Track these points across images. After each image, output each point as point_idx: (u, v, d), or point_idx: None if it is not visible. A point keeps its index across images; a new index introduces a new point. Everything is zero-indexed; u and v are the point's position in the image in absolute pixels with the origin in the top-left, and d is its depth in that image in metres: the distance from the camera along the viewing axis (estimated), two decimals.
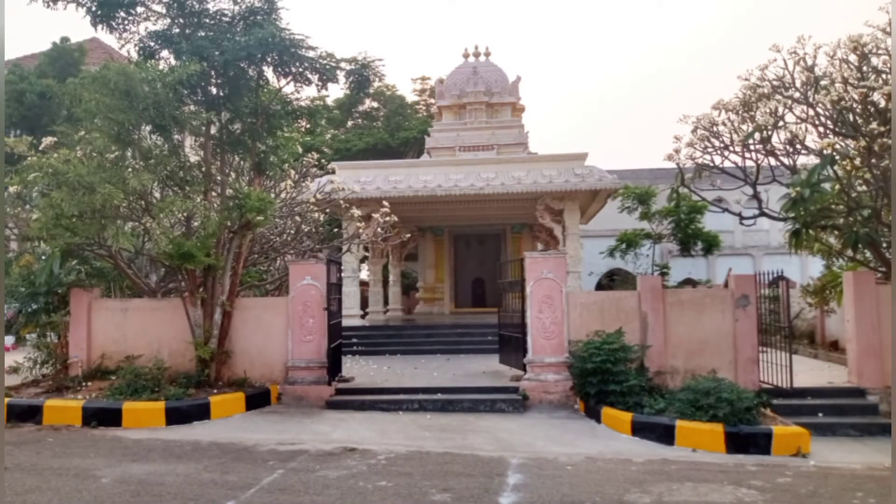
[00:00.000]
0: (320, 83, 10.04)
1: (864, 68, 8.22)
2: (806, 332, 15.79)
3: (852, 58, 8.31)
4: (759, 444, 7.75)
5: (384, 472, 6.63)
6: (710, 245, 23.01)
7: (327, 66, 9.98)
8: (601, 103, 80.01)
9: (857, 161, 7.84)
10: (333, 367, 10.41)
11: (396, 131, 28.91)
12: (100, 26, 9.93)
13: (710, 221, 23.00)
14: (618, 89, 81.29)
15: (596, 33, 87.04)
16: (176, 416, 8.58)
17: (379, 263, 20.58)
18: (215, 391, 9.39)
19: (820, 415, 9.16)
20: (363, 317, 18.25)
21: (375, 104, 31.44)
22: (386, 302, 21.57)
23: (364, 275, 21.50)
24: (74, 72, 17.35)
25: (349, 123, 31.52)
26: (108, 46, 24.48)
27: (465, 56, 22.53)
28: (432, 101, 29.06)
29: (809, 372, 11.25)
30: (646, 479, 6.51)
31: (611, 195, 17.37)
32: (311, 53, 9.97)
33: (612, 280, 28.20)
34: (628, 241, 23.93)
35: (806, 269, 26.38)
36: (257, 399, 9.57)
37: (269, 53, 9.48)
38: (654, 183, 23.86)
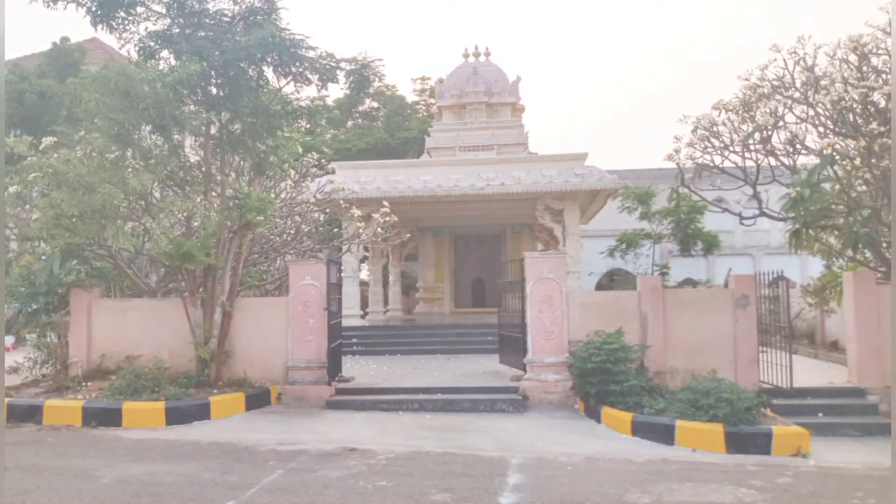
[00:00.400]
0: (320, 83, 10.05)
1: (865, 68, 8.22)
2: (806, 332, 15.79)
3: (852, 58, 8.32)
4: (759, 444, 7.74)
5: (384, 472, 6.64)
6: (710, 245, 22.98)
7: (327, 66, 9.99)
8: (601, 103, 80.00)
9: (857, 161, 7.83)
10: (333, 367, 10.42)
11: (396, 131, 28.90)
12: (100, 26, 9.93)
13: (710, 221, 22.98)
14: (618, 89, 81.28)
15: (596, 33, 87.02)
16: (176, 416, 8.58)
17: (379, 263, 20.58)
18: (215, 391, 9.39)
19: (820, 415, 9.15)
20: (363, 317, 18.26)
21: (375, 104, 31.44)
22: (386, 302, 21.57)
23: (364, 275, 21.50)
24: (74, 72, 17.35)
25: (349, 123, 31.50)
26: (108, 47, 24.44)
27: (465, 56, 22.54)
28: (432, 101, 29.03)
29: (809, 372, 11.25)
30: (646, 479, 6.52)
31: (611, 195, 17.38)
32: (310, 53, 9.98)
33: (613, 280, 28.17)
34: (628, 242, 23.90)
35: (806, 269, 26.37)
36: (257, 399, 9.58)
37: (269, 53, 9.49)
38: (654, 183, 23.84)
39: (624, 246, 24.00)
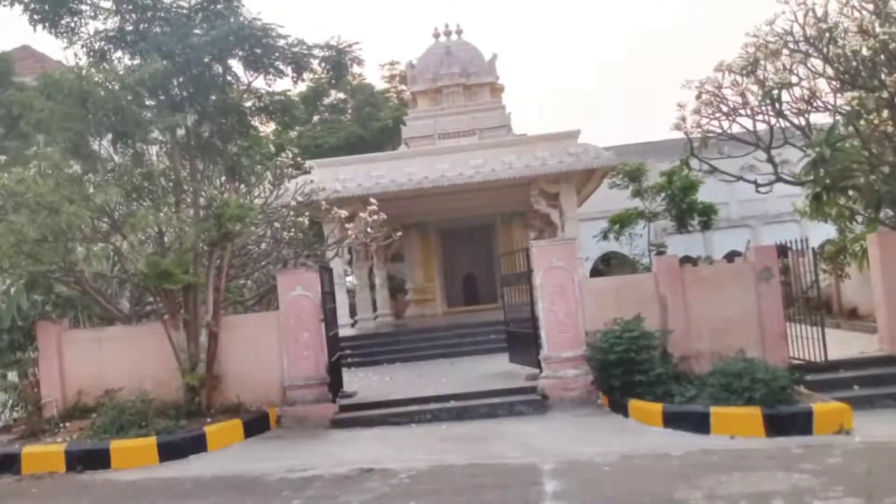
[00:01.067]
0: (295, 74, 9.79)
1: (883, 13, 8.20)
2: (822, 301, 15.94)
3: (869, 6, 8.32)
4: (799, 424, 7.72)
5: (410, 491, 6.50)
6: (708, 217, 23.16)
7: (301, 54, 9.73)
8: (581, 77, 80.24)
9: (885, 114, 7.84)
10: (335, 382, 10.22)
11: (368, 123, 28.58)
12: (39, 26, 9.53)
13: (704, 195, 23.24)
14: (600, 62, 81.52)
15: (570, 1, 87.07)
16: (170, 451, 8.32)
17: (364, 267, 20.33)
18: (209, 420, 9.14)
19: (856, 387, 9.18)
20: (353, 325, 18.04)
21: (342, 95, 31.06)
22: (374, 308, 21.34)
23: (349, 280, 21.25)
24: (5, 83, 16.73)
25: (315, 118, 31.05)
26: (40, 54, 23.70)
27: (436, 36, 22.36)
28: (403, 87, 28.77)
29: (836, 343, 11.23)
30: (690, 473, 6.48)
31: (607, 173, 17.38)
32: (281, 42, 9.72)
33: (608, 264, 28.30)
34: (622, 222, 23.98)
35: (810, 236, 26.78)
36: (256, 425, 9.35)
37: (238, 45, 9.20)
38: (641, 158, 23.98)
39: (617, 227, 24.09)
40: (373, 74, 34.01)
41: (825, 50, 8.84)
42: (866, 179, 9.17)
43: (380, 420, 9.52)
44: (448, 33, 22.38)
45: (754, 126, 10.30)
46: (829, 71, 9.07)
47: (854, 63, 8.48)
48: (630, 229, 23.11)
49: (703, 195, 22.38)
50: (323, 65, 10.34)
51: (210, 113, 9.98)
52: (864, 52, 8.18)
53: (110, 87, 8.53)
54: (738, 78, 10.05)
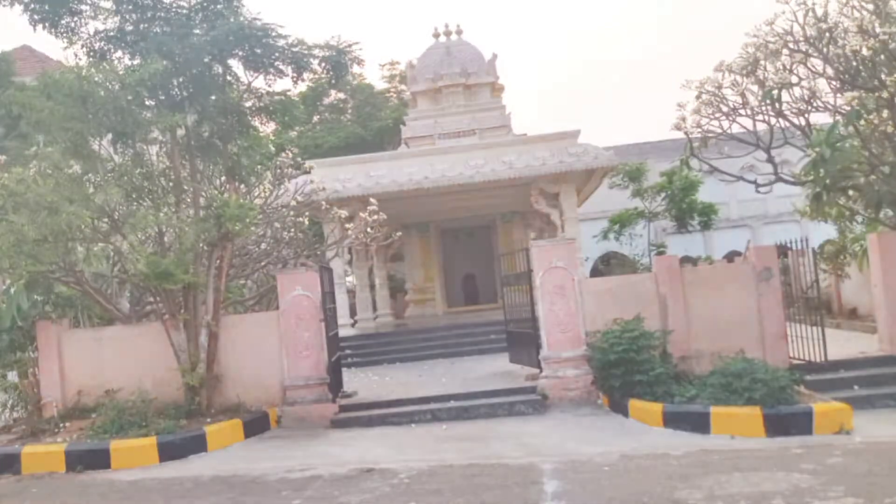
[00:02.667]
0: (295, 74, 9.80)
1: (883, 13, 8.22)
2: (822, 301, 15.95)
3: (869, 6, 8.35)
4: (799, 424, 7.75)
5: (410, 491, 6.52)
6: (708, 217, 23.18)
7: (301, 54, 9.73)
8: (580, 77, 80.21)
9: (885, 114, 7.86)
10: (335, 382, 10.22)
11: (368, 123, 28.58)
12: (40, 26, 9.54)
13: (704, 195, 23.30)
14: (599, 62, 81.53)
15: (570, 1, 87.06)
16: (170, 451, 8.34)
17: (364, 267, 20.34)
18: (209, 420, 9.15)
19: (856, 387, 9.21)
20: (353, 325, 18.05)
21: (342, 95, 31.05)
22: (374, 308, 21.35)
23: (349, 280, 21.26)
24: (5, 83, 16.74)
25: (314, 118, 31.04)
26: (41, 54, 23.72)
27: (436, 35, 22.33)
28: (403, 87, 28.78)
29: (836, 343, 11.28)
30: (690, 473, 6.50)
31: (607, 173, 17.39)
32: (281, 42, 9.72)
33: (608, 264, 28.34)
34: (622, 222, 24.03)
35: (810, 235, 26.80)
36: (256, 425, 9.36)
37: (238, 45, 9.21)
38: (641, 158, 24.00)
39: (617, 227, 24.14)
40: (373, 74, 34.04)
41: (825, 50, 8.86)
42: (866, 179, 9.18)
43: (380, 420, 9.53)
44: (448, 33, 22.34)
45: (754, 126, 10.32)
46: (829, 71, 9.10)
47: (854, 63, 8.50)
48: (630, 229, 23.15)
49: (703, 195, 22.42)
50: (323, 65, 10.34)
51: (210, 113, 9.97)
52: (864, 52, 8.20)
53: (110, 87, 8.53)
54: (738, 78, 10.07)
